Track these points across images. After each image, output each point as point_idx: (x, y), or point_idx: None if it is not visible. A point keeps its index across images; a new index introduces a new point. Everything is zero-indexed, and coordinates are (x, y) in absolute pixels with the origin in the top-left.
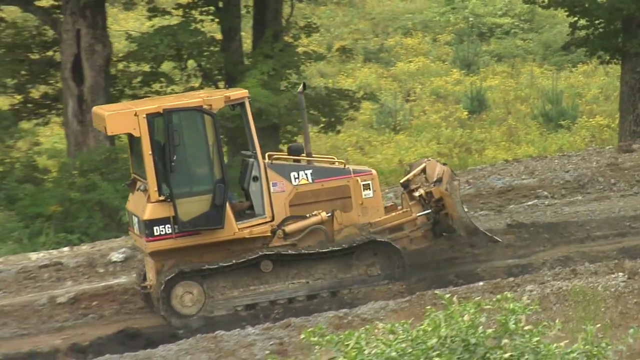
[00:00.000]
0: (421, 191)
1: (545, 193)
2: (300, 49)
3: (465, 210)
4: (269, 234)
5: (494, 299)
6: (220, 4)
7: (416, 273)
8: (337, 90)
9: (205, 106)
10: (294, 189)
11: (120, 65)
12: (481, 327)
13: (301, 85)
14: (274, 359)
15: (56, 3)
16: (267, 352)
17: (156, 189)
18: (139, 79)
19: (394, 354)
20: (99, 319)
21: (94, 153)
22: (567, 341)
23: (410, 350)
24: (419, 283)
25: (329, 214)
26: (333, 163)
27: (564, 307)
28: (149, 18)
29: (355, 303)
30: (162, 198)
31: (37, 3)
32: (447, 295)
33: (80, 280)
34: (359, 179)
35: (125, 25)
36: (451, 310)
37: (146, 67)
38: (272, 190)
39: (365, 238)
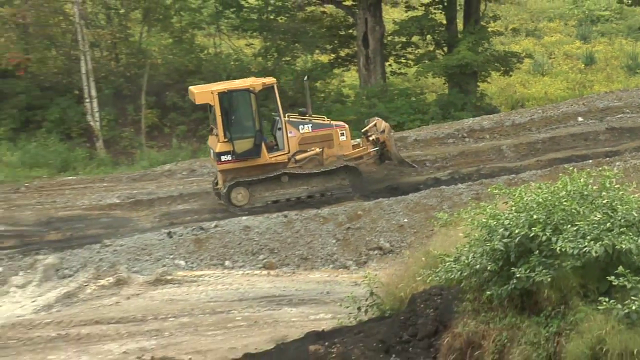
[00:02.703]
0: (373, 137)
1: (628, 110)
2: (489, 29)
3: (397, 148)
4: (286, 161)
5: (598, 170)
6: (445, 3)
7: (553, 154)
8: (510, 52)
9: (250, 88)
10: (301, 134)
11: (389, 38)
12: (590, 185)
13: (306, 77)
14: (473, 203)
15: (354, 3)
16: (469, 198)
17: (223, 134)
18: (399, 46)
19: (540, 199)
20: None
21: (374, 86)
22: None
23: (550, 198)
24: (555, 160)
25: (321, 149)
26: (324, 120)
27: (638, 175)
28: (406, 11)
29: (519, 171)
30: (226, 140)
31: (344, 3)
32: (571, 168)
33: None
34: (338, 129)
35: (392, 15)
36: (573, 176)
37: (403, 39)
38: (289, 135)
39: (341, 164)
